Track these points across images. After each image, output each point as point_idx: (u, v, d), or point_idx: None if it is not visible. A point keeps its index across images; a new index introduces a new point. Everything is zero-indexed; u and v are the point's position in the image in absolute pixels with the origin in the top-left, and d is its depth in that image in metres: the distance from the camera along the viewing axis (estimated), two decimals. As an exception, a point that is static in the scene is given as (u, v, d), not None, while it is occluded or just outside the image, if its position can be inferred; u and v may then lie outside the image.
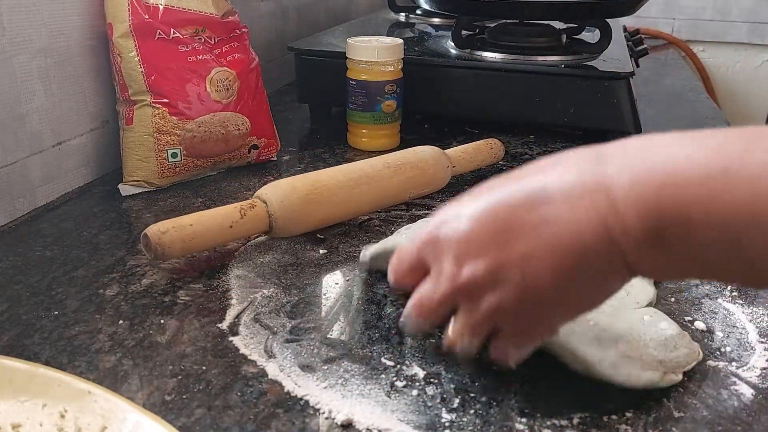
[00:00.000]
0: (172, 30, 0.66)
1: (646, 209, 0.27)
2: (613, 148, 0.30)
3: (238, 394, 0.39)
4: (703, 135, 0.28)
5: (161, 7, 0.65)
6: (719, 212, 0.26)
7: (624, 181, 0.28)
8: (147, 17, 0.64)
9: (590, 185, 0.29)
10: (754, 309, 0.48)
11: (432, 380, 0.40)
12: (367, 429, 0.36)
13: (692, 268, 0.29)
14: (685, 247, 0.27)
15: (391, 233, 0.58)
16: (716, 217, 0.26)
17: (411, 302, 0.36)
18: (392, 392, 0.39)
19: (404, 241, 0.46)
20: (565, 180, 0.30)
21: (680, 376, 0.40)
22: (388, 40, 0.79)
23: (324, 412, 0.37)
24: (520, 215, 0.31)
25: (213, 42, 0.69)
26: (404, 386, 0.40)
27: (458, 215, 0.33)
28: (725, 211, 0.26)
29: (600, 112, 0.81)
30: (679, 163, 0.27)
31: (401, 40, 0.78)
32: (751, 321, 0.47)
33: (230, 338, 0.44)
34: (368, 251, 0.51)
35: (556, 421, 0.37)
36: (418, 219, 0.60)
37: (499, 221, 0.31)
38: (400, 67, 0.79)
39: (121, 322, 0.45)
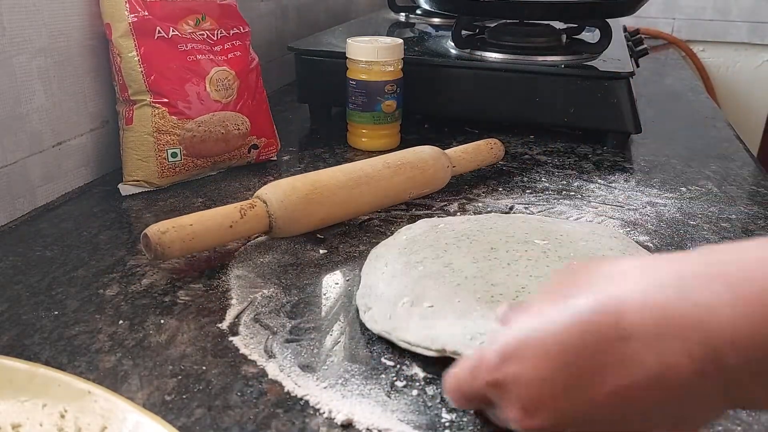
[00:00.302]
0: (171, 28, 0.66)
1: (758, 354, 0.24)
2: (695, 267, 0.26)
3: (238, 394, 0.39)
4: None
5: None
6: None
7: (724, 317, 0.24)
8: (146, 14, 0.64)
9: (680, 322, 0.25)
10: (754, 309, 0.48)
11: (432, 380, 0.40)
12: (367, 429, 0.36)
13: None
14: None
15: (391, 233, 0.58)
16: None
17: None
18: (392, 392, 0.39)
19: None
20: (644, 310, 0.26)
21: None
22: (388, 40, 0.79)
23: (324, 412, 0.37)
24: (594, 357, 0.27)
25: (215, 38, 0.69)
26: (404, 386, 0.40)
27: (522, 350, 0.29)
28: None
29: (600, 112, 0.81)
30: None
31: (401, 40, 0.78)
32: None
33: (230, 338, 0.44)
34: (377, 324, 0.44)
35: (556, 421, 0.37)
36: (418, 219, 0.60)
37: (571, 365, 0.27)
38: (400, 67, 0.79)
39: (121, 322, 0.45)
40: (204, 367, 0.41)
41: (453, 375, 0.34)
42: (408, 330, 0.42)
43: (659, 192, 0.70)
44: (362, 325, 0.46)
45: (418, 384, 0.40)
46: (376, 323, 0.44)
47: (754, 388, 0.24)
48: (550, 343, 0.28)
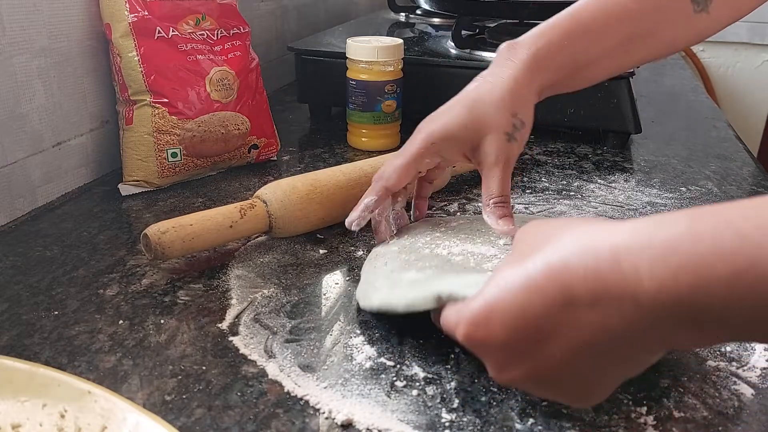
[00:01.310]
0: (171, 29, 0.66)
1: (678, 311, 0.28)
2: (626, 239, 0.29)
3: (238, 394, 0.39)
4: (713, 217, 0.28)
5: (160, -1, 0.65)
6: (752, 301, 0.26)
7: (650, 287, 0.28)
8: (146, 14, 0.64)
9: (614, 291, 0.29)
10: (754, 309, 0.48)
11: (432, 380, 0.40)
12: (367, 429, 0.36)
13: (726, 338, 0.30)
14: (719, 329, 0.28)
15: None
16: (749, 306, 0.26)
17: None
18: (392, 392, 0.39)
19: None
20: (587, 280, 0.30)
21: None
22: (388, 40, 0.79)
23: (324, 412, 0.37)
24: (547, 321, 0.31)
25: (215, 37, 0.69)
26: (404, 386, 0.40)
27: (488, 317, 0.33)
28: (758, 299, 0.26)
29: (600, 112, 0.81)
30: (703, 263, 0.27)
31: (401, 40, 0.78)
32: (751, 321, 0.47)
33: (230, 338, 0.44)
34: (373, 303, 0.45)
35: (556, 422, 0.37)
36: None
37: (530, 328, 0.31)
38: (400, 67, 0.79)
39: (121, 322, 0.45)
40: (204, 367, 0.41)
41: (443, 318, 0.37)
42: (405, 292, 0.42)
43: (659, 192, 0.70)
44: (362, 325, 0.46)
45: (418, 384, 0.40)
46: (372, 301, 0.44)
47: (687, 338, 0.29)
48: (508, 312, 0.32)
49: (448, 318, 0.37)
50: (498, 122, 0.50)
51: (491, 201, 0.50)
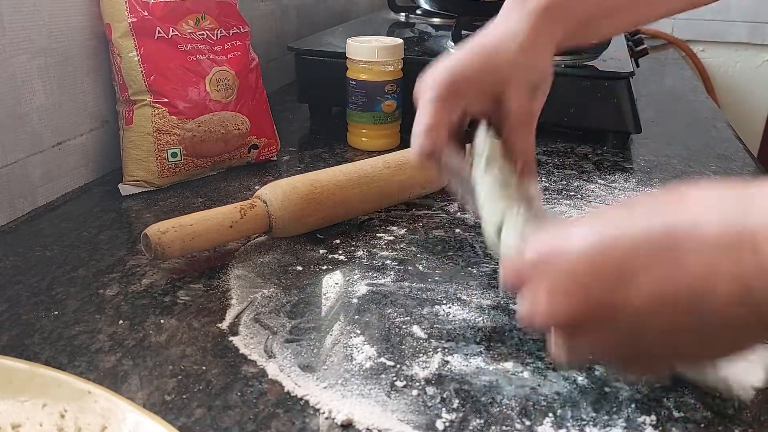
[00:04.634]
0: (171, 29, 0.66)
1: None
2: (759, 192, 0.26)
3: (238, 394, 0.39)
4: None
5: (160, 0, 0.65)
6: None
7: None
8: (146, 14, 0.64)
9: (733, 237, 0.25)
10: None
11: (432, 380, 0.40)
12: (367, 429, 0.36)
13: None
14: None
15: (391, 233, 0.58)
16: None
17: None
18: (392, 392, 0.39)
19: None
20: (702, 224, 0.26)
21: None
22: (388, 40, 0.79)
23: (324, 412, 0.37)
24: (638, 258, 0.27)
25: (215, 37, 0.69)
26: (404, 386, 0.40)
27: (568, 246, 0.29)
28: None
29: (600, 112, 0.81)
30: None
31: (401, 40, 0.78)
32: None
33: (230, 338, 0.44)
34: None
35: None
36: (418, 219, 0.60)
37: (614, 259, 0.28)
38: (400, 67, 0.79)
39: (121, 322, 0.45)
40: (204, 367, 0.41)
41: (502, 268, 0.34)
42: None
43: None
44: (362, 325, 0.46)
45: (418, 384, 0.40)
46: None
47: None
48: (598, 240, 0.29)
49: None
50: (520, 75, 0.44)
51: (520, 164, 0.44)
